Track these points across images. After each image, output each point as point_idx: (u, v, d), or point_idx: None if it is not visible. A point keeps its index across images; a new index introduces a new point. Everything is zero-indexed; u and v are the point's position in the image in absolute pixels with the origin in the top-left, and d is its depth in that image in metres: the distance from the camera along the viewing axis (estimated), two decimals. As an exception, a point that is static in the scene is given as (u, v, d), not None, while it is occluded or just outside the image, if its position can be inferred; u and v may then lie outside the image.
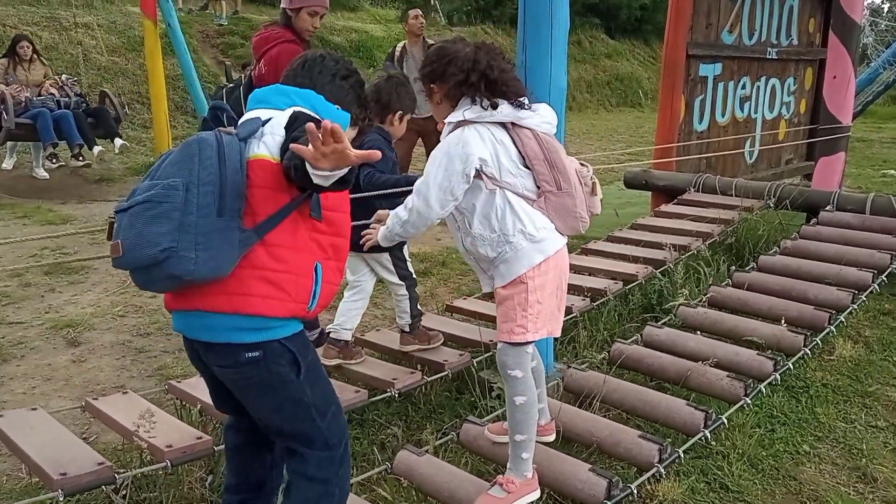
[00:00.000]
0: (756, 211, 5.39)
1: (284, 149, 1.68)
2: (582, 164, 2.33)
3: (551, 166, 2.19)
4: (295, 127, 1.72)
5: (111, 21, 12.13)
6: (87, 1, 12.85)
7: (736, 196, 5.60)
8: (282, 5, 3.60)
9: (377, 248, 3.20)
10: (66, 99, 7.75)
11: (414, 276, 3.28)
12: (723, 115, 7.05)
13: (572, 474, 2.40)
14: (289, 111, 1.79)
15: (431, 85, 2.24)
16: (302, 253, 1.77)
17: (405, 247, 3.26)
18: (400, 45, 6.26)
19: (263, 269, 1.72)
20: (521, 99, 2.23)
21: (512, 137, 2.19)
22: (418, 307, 3.30)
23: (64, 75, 8.34)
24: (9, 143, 8.16)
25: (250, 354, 1.75)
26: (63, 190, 7.85)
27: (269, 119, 1.80)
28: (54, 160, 7.43)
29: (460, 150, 2.13)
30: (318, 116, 1.77)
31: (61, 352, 3.88)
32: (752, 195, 5.57)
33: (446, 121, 2.22)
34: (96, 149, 7.78)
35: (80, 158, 7.58)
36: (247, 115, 1.88)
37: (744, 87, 7.24)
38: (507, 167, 2.18)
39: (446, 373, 3.16)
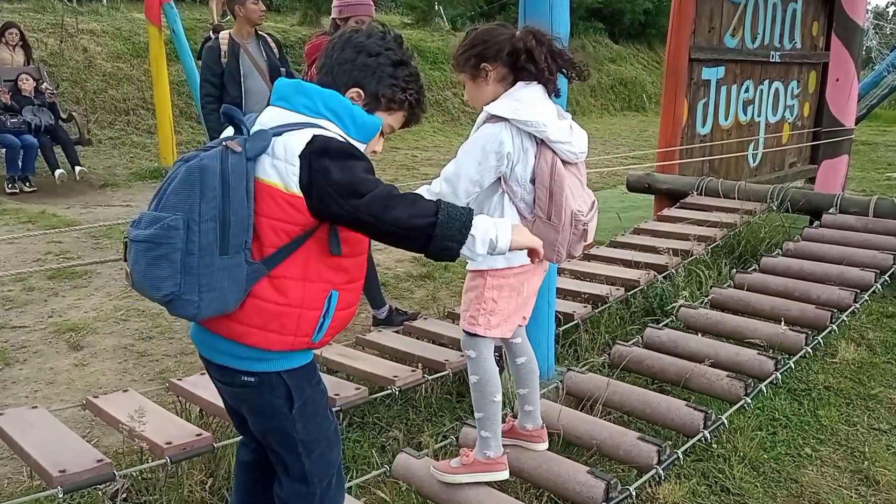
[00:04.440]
0: (759, 214, 5.38)
1: (306, 187, 1.58)
2: (580, 212, 2.27)
3: (550, 197, 2.21)
4: (316, 167, 1.57)
5: (116, 27, 12.18)
6: (92, 7, 12.92)
7: (739, 199, 5.59)
8: (332, 15, 3.75)
9: None
10: (37, 120, 8.05)
11: None
12: (726, 119, 7.04)
13: (571, 476, 2.40)
14: (307, 133, 1.61)
15: (484, 64, 2.21)
16: (313, 284, 1.66)
17: None
18: (223, 37, 4.48)
19: (265, 301, 1.63)
20: (566, 114, 2.27)
21: (536, 152, 2.22)
22: None
23: (45, 84, 8.46)
24: None
25: (246, 378, 1.72)
26: (67, 195, 7.89)
27: (283, 130, 1.64)
28: (10, 186, 7.85)
29: (497, 146, 2.17)
30: (339, 138, 1.63)
31: (64, 355, 3.89)
32: (755, 198, 5.56)
33: (487, 109, 2.21)
34: (58, 172, 8.04)
35: (28, 185, 7.99)
36: (262, 116, 1.72)
37: (747, 90, 7.24)
38: (517, 176, 2.22)
39: (447, 372, 3.16)
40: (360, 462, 2.77)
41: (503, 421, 2.66)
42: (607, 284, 4.16)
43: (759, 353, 3.29)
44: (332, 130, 1.65)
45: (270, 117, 1.69)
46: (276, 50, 4.57)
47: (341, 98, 1.70)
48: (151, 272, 1.56)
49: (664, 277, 4.32)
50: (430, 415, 3.15)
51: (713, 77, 6.74)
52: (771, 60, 7.36)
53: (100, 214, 7.11)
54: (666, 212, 5.68)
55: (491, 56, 2.19)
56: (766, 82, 7.47)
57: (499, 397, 2.37)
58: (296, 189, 1.59)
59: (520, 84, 2.21)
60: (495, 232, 1.64)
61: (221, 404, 2.08)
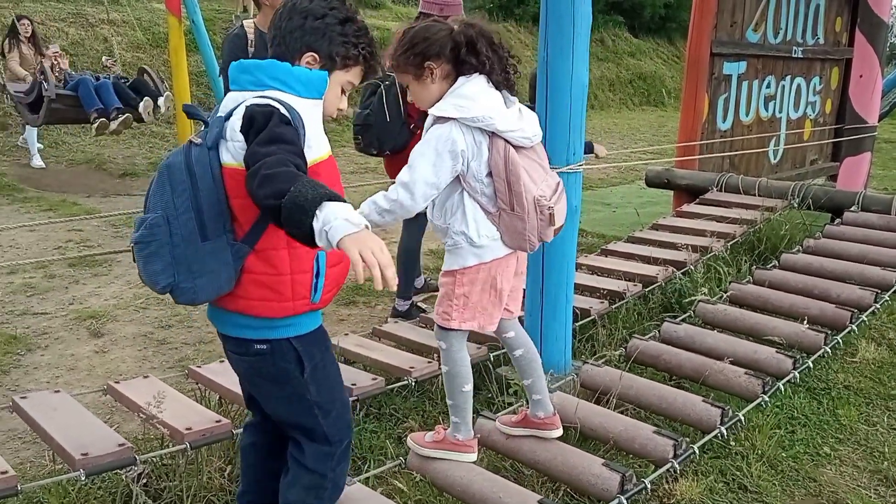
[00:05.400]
0: (779, 211, 5.33)
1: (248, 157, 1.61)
2: (542, 197, 2.23)
3: (508, 187, 2.18)
4: (252, 134, 1.61)
5: (137, 17, 12.25)
6: (113, -3, 12.99)
7: (759, 196, 5.54)
8: (427, 10, 3.75)
9: None
10: (105, 75, 7.88)
11: None
12: (747, 114, 6.98)
13: (586, 469, 2.40)
14: (243, 108, 1.67)
15: (427, 62, 2.16)
16: (297, 249, 1.71)
17: None
18: (248, 26, 4.06)
19: (258, 274, 1.72)
20: (513, 98, 2.24)
21: (489, 145, 2.18)
22: None
23: (104, 56, 8.45)
24: (32, 142, 8.29)
25: (259, 347, 1.81)
26: (88, 184, 7.97)
27: (232, 112, 1.71)
28: (94, 121, 7.22)
29: (450, 146, 2.13)
30: (274, 103, 1.66)
31: (84, 342, 3.94)
32: (776, 195, 5.51)
33: (433, 112, 2.18)
34: (142, 103, 7.59)
35: (121, 113, 7.37)
36: (221, 104, 1.79)
37: (768, 86, 7.16)
38: (473, 171, 2.19)
39: (464, 366, 3.16)
40: (377, 453, 2.79)
41: (516, 412, 2.67)
42: (625, 280, 4.14)
43: (777, 352, 3.27)
44: (279, 98, 1.69)
45: (225, 103, 1.77)
46: None
47: (279, 64, 1.75)
48: (148, 269, 1.69)
49: (682, 274, 4.30)
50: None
51: (734, 72, 6.67)
52: (793, 56, 7.27)
53: (119, 203, 7.18)
54: (685, 208, 5.64)
55: (434, 54, 2.15)
56: (788, 78, 7.39)
57: (468, 388, 2.42)
58: None
59: (461, 79, 2.17)
60: (328, 227, 1.42)
61: (240, 392, 2.12)
